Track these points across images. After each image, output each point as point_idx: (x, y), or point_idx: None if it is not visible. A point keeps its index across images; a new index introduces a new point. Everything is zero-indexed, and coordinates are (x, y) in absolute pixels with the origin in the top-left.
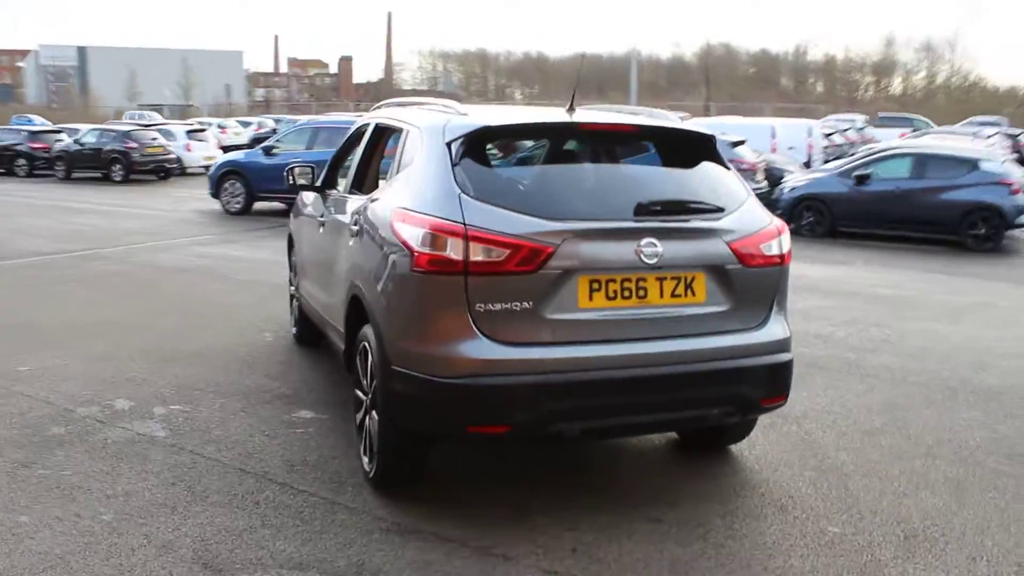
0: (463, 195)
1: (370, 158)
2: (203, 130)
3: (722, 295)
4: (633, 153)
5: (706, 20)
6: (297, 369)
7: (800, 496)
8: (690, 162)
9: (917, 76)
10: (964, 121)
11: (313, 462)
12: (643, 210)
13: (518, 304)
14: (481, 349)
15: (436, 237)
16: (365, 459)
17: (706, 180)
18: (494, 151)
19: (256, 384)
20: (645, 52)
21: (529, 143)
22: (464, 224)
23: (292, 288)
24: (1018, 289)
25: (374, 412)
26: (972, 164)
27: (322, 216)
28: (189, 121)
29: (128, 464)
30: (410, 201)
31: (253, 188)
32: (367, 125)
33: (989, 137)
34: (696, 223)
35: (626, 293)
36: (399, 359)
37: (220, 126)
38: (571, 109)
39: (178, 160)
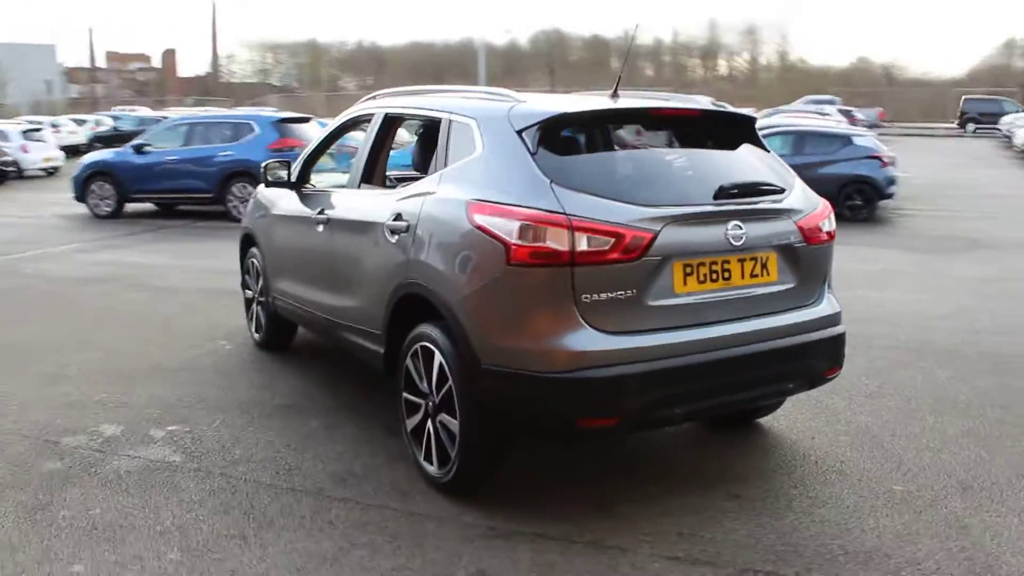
0: (554, 184)
1: (379, 150)
2: (39, 129)
3: (790, 273)
4: (696, 137)
5: (537, 5)
6: (282, 377)
7: (849, 460)
8: (740, 144)
9: (741, 58)
10: (799, 100)
11: (361, 473)
12: (722, 193)
13: (622, 292)
14: (589, 340)
15: (535, 229)
16: (429, 466)
17: (761, 161)
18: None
19: (248, 396)
20: (479, 39)
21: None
22: (566, 214)
23: (250, 293)
24: (912, 255)
25: (444, 415)
26: (846, 139)
27: (321, 214)
28: (17, 120)
29: (161, 495)
30: (487, 193)
31: (124, 189)
32: (369, 116)
33: (829, 115)
34: (770, 204)
35: (714, 276)
36: (494, 357)
37: (53, 125)
38: (615, 95)
39: (15, 163)
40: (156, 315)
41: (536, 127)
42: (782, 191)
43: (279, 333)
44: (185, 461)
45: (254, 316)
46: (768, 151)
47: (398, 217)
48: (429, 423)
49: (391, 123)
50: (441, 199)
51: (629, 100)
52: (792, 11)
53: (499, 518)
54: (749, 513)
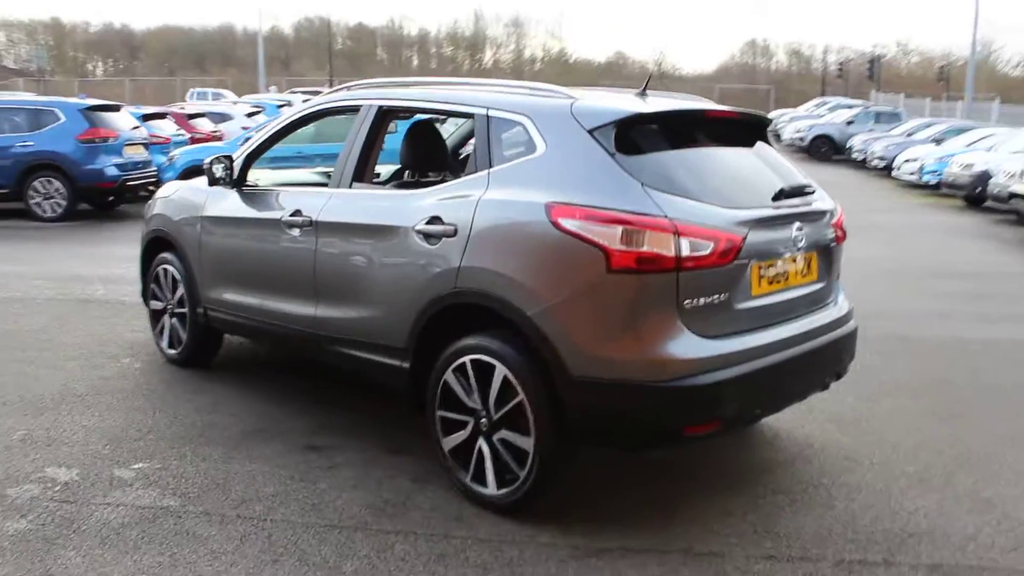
0: (646, 187)
1: (372, 146)
2: None
3: (824, 272)
4: (738, 138)
5: None
6: (226, 398)
7: (849, 446)
8: (762, 144)
9: (507, 50)
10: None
11: (396, 501)
12: (779, 195)
13: (717, 296)
14: (693, 346)
15: (640, 233)
16: (482, 487)
17: (786, 162)
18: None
19: (204, 423)
20: (240, 25)
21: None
22: (668, 217)
23: (159, 304)
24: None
25: (507, 432)
26: None
27: (297, 216)
28: None
29: (185, 548)
30: (565, 195)
31: None
32: (354, 108)
33: None
34: (819, 206)
35: (779, 277)
36: (589, 367)
37: None
38: (643, 93)
39: None
40: (22, 332)
41: (611, 126)
42: (813, 191)
43: (204, 348)
44: (183, 504)
45: (166, 330)
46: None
47: (435, 220)
48: (481, 442)
49: (385, 117)
50: (503, 201)
51: (665, 100)
52: (555, 5)
53: (576, 535)
54: (801, 506)
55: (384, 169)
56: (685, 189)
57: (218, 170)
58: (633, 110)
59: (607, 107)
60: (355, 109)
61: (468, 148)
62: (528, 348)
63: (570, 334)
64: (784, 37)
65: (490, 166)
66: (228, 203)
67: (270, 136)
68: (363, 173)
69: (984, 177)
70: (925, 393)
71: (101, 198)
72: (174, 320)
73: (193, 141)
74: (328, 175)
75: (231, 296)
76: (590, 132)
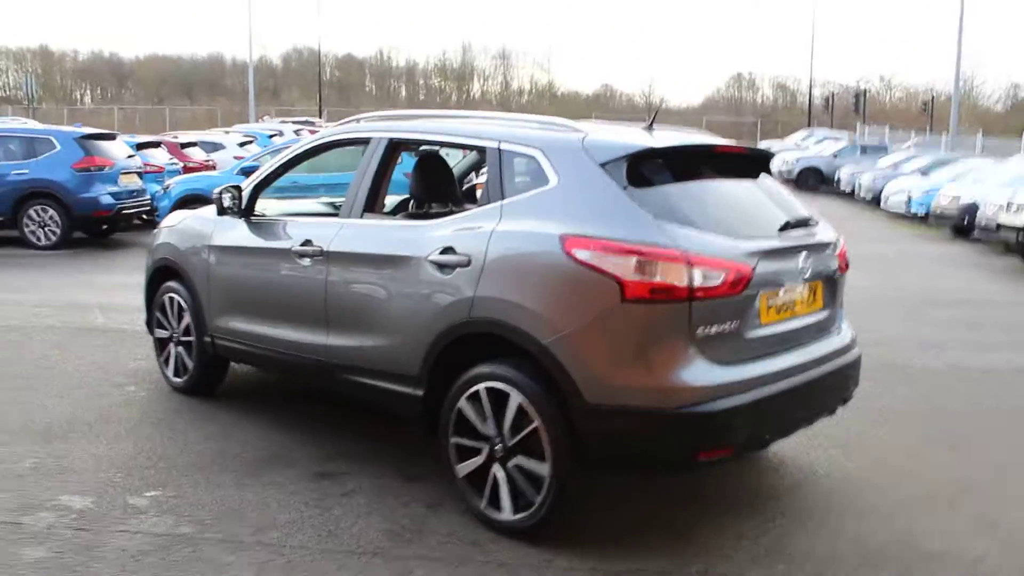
0: (658, 219)
1: (382, 178)
2: None
3: (828, 300)
4: (742, 172)
5: (286, 24)
6: (236, 426)
7: (855, 471)
8: (765, 177)
9: (495, 81)
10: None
11: (412, 527)
12: (785, 227)
13: (728, 325)
14: (706, 373)
15: (653, 264)
16: (497, 512)
17: (788, 194)
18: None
19: (214, 450)
20: (229, 55)
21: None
22: (680, 248)
23: (164, 332)
24: None
25: (522, 458)
26: None
27: (307, 245)
28: None
29: (207, 574)
30: (578, 227)
31: None
32: (363, 140)
33: None
34: (823, 237)
35: (786, 307)
36: (604, 395)
37: None
38: (650, 127)
39: None
40: (26, 360)
41: (622, 160)
42: (816, 223)
43: (210, 376)
44: (199, 531)
45: (171, 358)
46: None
47: (449, 250)
48: (496, 468)
49: (395, 149)
50: (516, 232)
51: (672, 134)
52: (542, 38)
53: (593, 558)
54: (812, 529)
55: (388, 200)
56: (695, 221)
57: (227, 200)
58: (643, 144)
59: (617, 141)
60: (365, 141)
61: (472, 179)
62: (543, 376)
63: (585, 362)
64: (769, 71)
65: (502, 198)
66: (237, 232)
67: (279, 167)
68: (374, 204)
69: (971, 208)
70: (925, 420)
71: (96, 226)
72: (180, 348)
73: (186, 170)
74: (334, 205)
75: (239, 325)
76: (602, 166)
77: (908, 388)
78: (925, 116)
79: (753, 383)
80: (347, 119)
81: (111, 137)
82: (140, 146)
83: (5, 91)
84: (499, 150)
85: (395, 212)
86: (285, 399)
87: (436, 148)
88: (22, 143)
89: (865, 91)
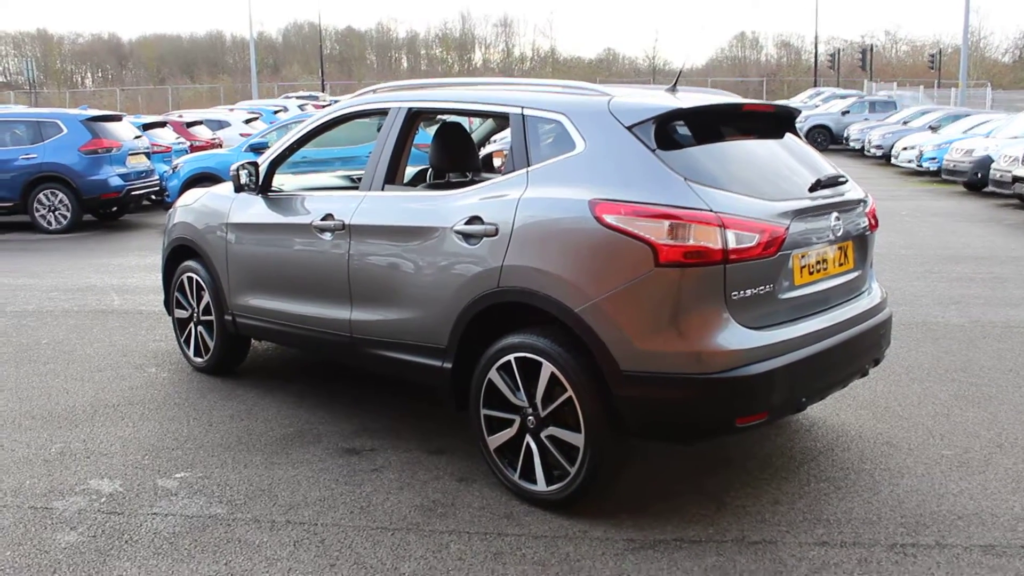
0: (688, 181)
1: (402, 148)
2: None
3: (859, 260)
4: (769, 131)
5: None
6: (260, 404)
7: (886, 431)
8: (791, 136)
9: (496, 50)
10: None
11: (445, 501)
12: (816, 186)
13: (762, 288)
14: (741, 338)
15: (687, 227)
16: (531, 484)
17: (815, 153)
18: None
19: (240, 429)
20: (229, 32)
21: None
22: (713, 211)
23: (184, 313)
24: None
25: (555, 428)
26: None
27: (328, 220)
28: None
29: (240, 556)
30: (608, 191)
31: None
32: (382, 111)
33: None
34: (853, 195)
35: (819, 267)
36: (639, 362)
37: None
38: (673, 89)
39: None
40: (43, 344)
41: (650, 122)
42: (846, 181)
43: (232, 355)
44: (231, 512)
45: (192, 338)
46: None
47: (475, 220)
48: (529, 439)
49: (414, 119)
50: (544, 199)
51: (697, 95)
52: (543, 4)
53: (629, 529)
54: (848, 492)
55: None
56: (726, 183)
57: (244, 176)
58: (671, 106)
59: (645, 104)
60: (383, 112)
61: (489, 147)
62: (575, 345)
63: (619, 329)
64: (773, 29)
65: (528, 165)
66: (255, 209)
67: (295, 141)
68: (394, 175)
69: (985, 162)
70: (952, 378)
71: (105, 209)
72: (200, 328)
73: (193, 149)
74: (351, 178)
75: (260, 302)
76: (629, 129)
77: (933, 346)
78: (933, 70)
79: (788, 346)
80: (363, 90)
81: (117, 118)
82: (146, 126)
83: (6, 76)
84: (523, 116)
85: (413, 184)
86: (306, 375)
87: (456, 117)
88: (28, 127)
89: (871, 47)
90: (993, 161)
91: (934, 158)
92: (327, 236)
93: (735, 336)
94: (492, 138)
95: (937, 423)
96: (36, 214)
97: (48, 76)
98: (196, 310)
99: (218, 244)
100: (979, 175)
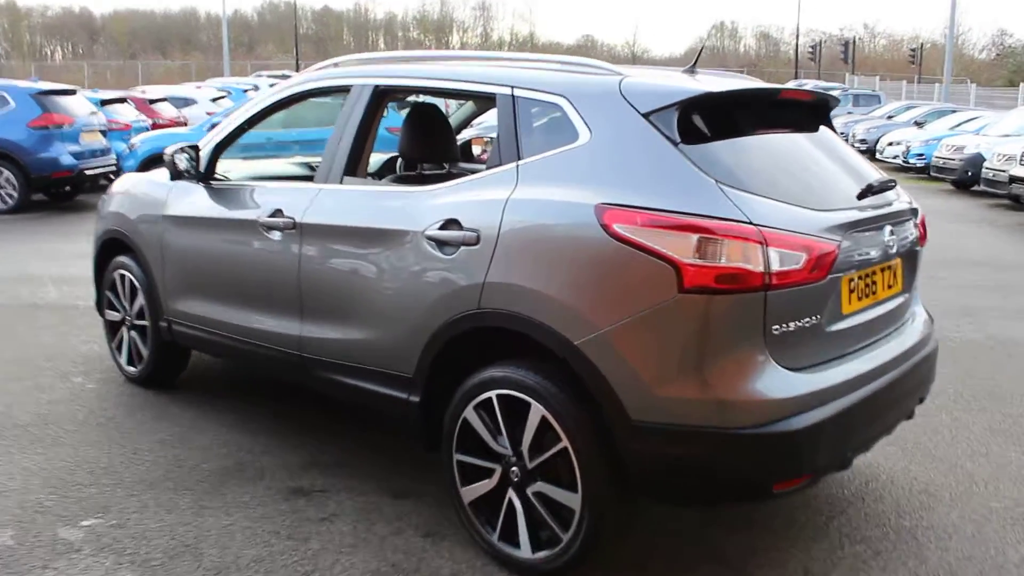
0: (721, 184)
1: (366, 133)
2: None
3: (908, 281)
4: (806, 124)
5: None
6: (195, 427)
7: (921, 477)
8: (826, 129)
9: (474, 33)
10: None
11: (408, 566)
12: (865, 193)
13: (808, 319)
14: (781, 384)
15: (719, 243)
16: (513, 549)
17: (853, 151)
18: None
19: (170, 459)
20: (203, 9)
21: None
22: (753, 223)
23: (116, 315)
24: None
25: (544, 484)
26: None
27: (277, 216)
28: None
29: None
30: (619, 195)
31: None
32: (342, 88)
33: None
34: (906, 204)
35: (867, 291)
36: (653, 410)
37: None
38: (692, 70)
39: None
40: None
41: (672, 108)
42: (895, 187)
43: (168, 365)
44: None
45: (125, 344)
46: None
47: (451, 224)
48: (512, 494)
49: (381, 98)
50: (539, 201)
51: (721, 79)
52: None
53: None
54: (889, 558)
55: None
56: (764, 187)
57: (182, 161)
58: (699, 89)
59: (665, 86)
60: (345, 89)
61: (467, 133)
62: (574, 384)
63: (630, 368)
64: (751, 19)
65: (518, 158)
66: (194, 200)
67: (244, 122)
68: (356, 166)
69: (976, 160)
70: (982, 406)
71: (57, 188)
72: (133, 333)
73: (155, 127)
74: (310, 166)
75: (199, 309)
76: (646, 116)
77: (954, 366)
78: (913, 65)
79: (835, 392)
80: (323, 63)
81: (71, 92)
82: (105, 102)
83: None
84: (513, 97)
85: (381, 175)
86: (253, 392)
87: (431, 98)
88: None
89: (854, 39)
90: (984, 159)
91: (921, 154)
92: (275, 236)
93: (775, 381)
94: (472, 122)
95: (977, 465)
96: None
97: (14, 48)
98: (129, 313)
99: (153, 239)
100: (969, 173)
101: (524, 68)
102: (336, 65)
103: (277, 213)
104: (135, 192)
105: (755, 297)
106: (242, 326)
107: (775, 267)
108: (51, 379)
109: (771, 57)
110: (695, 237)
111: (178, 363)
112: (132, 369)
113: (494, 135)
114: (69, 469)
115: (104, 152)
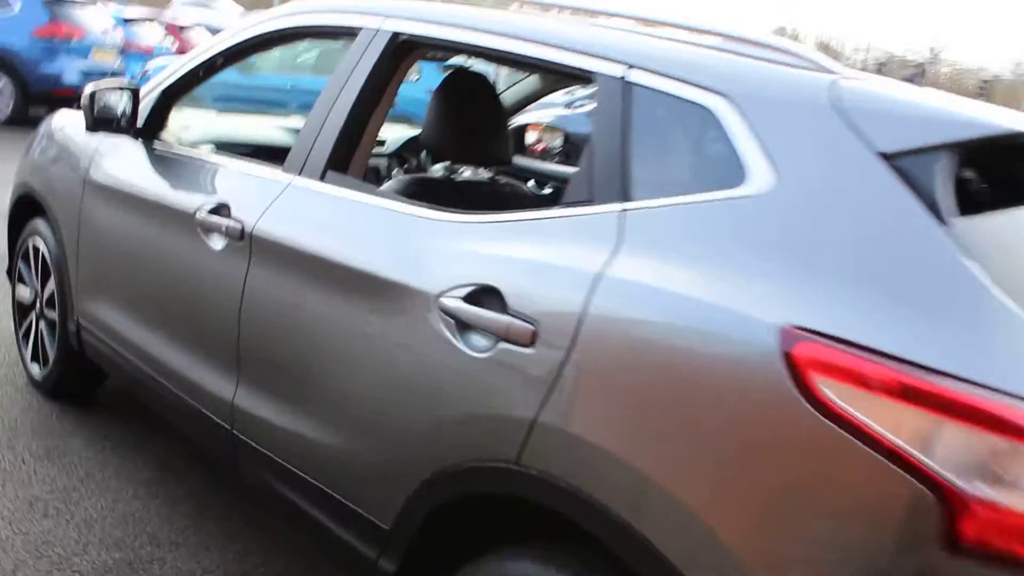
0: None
1: (372, 107)
2: None
3: None
4: None
5: None
6: (95, 476)
7: None
8: None
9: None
10: None
11: None
12: None
13: None
14: None
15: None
16: None
17: None
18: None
19: (37, 535)
20: None
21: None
22: None
23: (27, 293)
24: None
25: None
26: None
27: (220, 214)
28: None
29: None
30: (832, 310)
31: None
32: (342, 31)
33: None
34: None
35: None
36: None
37: None
38: (917, 78)
39: None
40: None
41: (944, 153)
42: None
43: (77, 376)
44: None
45: (32, 336)
46: None
47: (486, 297)
48: None
49: (402, 52)
50: (661, 292)
51: (978, 105)
52: None
53: None
54: None
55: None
56: None
57: (111, 103)
58: (1004, 125)
59: (930, 107)
60: (350, 32)
61: (521, 118)
62: None
63: None
64: (812, 28)
65: (625, 197)
66: (123, 164)
67: (204, 62)
68: (347, 158)
69: None
70: None
71: (58, 106)
72: (42, 324)
73: (180, 52)
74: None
75: (111, 317)
76: (888, 158)
77: None
78: (981, 97)
79: None
80: None
81: (90, 2)
82: (129, 20)
83: None
84: (626, 83)
85: (388, 168)
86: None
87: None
88: None
89: (927, 62)
90: None
91: None
92: (216, 243)
93: None
94: (526, 106)
95: None
96: None
97: None
98: (40, 297)
99: (71, 207)
100: None
101: (649, 35)
102: None
103: (222, 210)
104: (61, 138)
105: None
106: (159, 359)
107: None
108: None
109: None
110: (995, 439)
111: (90, 375)
112: (36, 370)
113: (560, 115)
114: None
115: (116, 75)
